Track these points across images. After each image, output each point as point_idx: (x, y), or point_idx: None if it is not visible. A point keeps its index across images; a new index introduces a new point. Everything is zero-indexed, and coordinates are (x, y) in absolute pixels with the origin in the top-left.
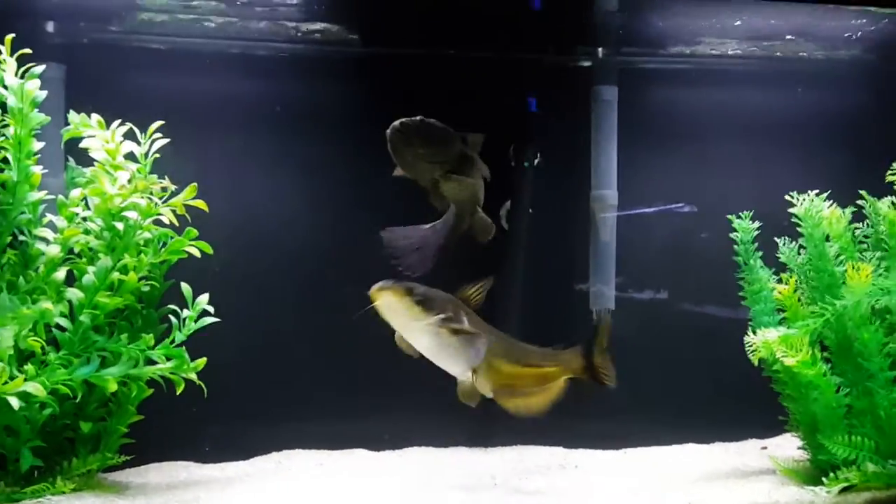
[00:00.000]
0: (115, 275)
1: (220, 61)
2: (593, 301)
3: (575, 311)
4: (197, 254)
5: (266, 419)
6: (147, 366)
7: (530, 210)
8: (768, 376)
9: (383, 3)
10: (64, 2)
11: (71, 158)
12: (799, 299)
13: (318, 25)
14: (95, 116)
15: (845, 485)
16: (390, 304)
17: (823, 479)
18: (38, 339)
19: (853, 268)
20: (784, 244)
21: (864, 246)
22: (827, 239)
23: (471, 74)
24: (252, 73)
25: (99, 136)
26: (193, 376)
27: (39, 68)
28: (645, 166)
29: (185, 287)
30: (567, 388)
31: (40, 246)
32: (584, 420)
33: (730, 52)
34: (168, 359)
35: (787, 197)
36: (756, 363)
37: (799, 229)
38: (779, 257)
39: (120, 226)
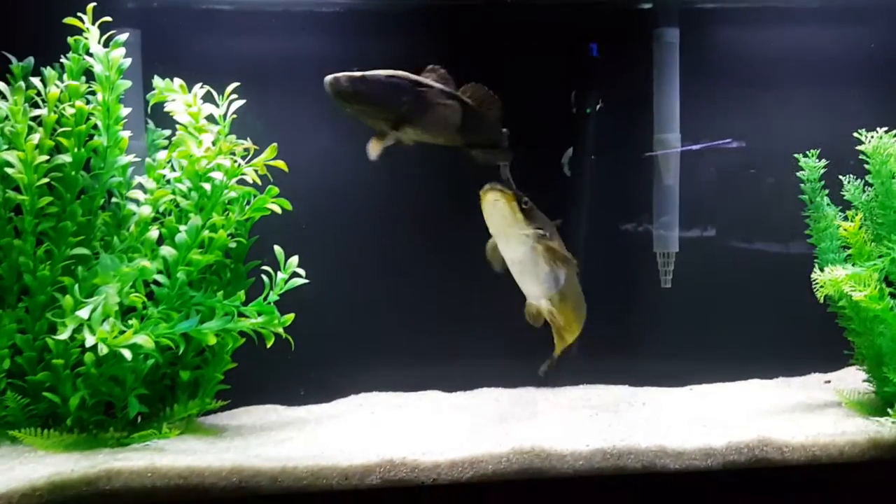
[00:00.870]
0: (205, 233)
1: (289, 19)
2: (657, 244)
3: (638, 255)
4: (278, 210)
5: (346, 364)
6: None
7: (592, 157)
8: (830, 312)
9: None
10: None
11: (150, 121)
12: (864, 237)
13: None
14: (178, 80)
15: None
16: (497, 204)
17: (889, 410)
18: (140, 295)
19: None
20: (849, 182)
21: None
22: (893, 176)
23: (530, 22)
24: (319, 31)
25: (180, 99)
26: (281, 330)
27: (123, 36)
28: (708, 109)
29: (278, 249)
30: None
31: (132, 207)
32: (647, 359)
33: None
34: (259, 314)
35: (855, 134)
36: (822, 300)
37: (866, 167)
38: (843, 195)
39: (207, 186)
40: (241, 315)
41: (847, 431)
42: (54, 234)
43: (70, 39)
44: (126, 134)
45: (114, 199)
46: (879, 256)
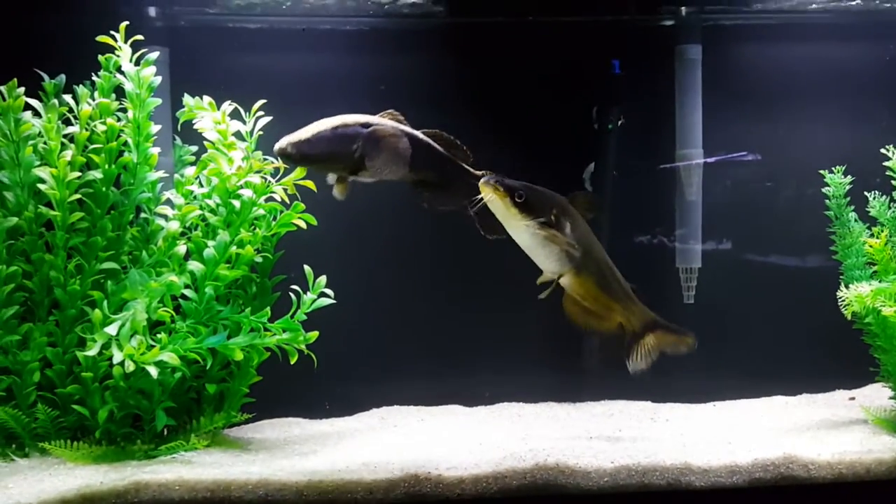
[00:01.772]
0: (233, 248)
1: (315, 38)
2: (679, 259)
3: (661, 270)
4: (304, 226)
5: (368, 378)
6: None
7: (614, 173)
8: (854, 329)
9: None
10: None
11: (178, 137)
12: (890, 253)
13: None
14: (206, 98)
15: None
16: (491, 200)
17: None
18: (168, 310)
19: None
20: (874, 198)
21: None
22: None
23: (553, 38)
24: (343, 48)
25: (209, 117)
26: (304, 347)
27: (154, 54)
28: (731, 125)
29: (308, 269)
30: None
31: (160, 222)
32: (669, 375)
33: (813, 6)
34: (284, 330)
35: (883, 150)
36: (849, 316)
37: (893, 182)
38: (868, 211)
39: (236, 203)
40: (266, 330)
41: (874, 449)
42: (85, 248)
43: (101, 58)
44: (155, 150)
45: (142, 215)
46: None
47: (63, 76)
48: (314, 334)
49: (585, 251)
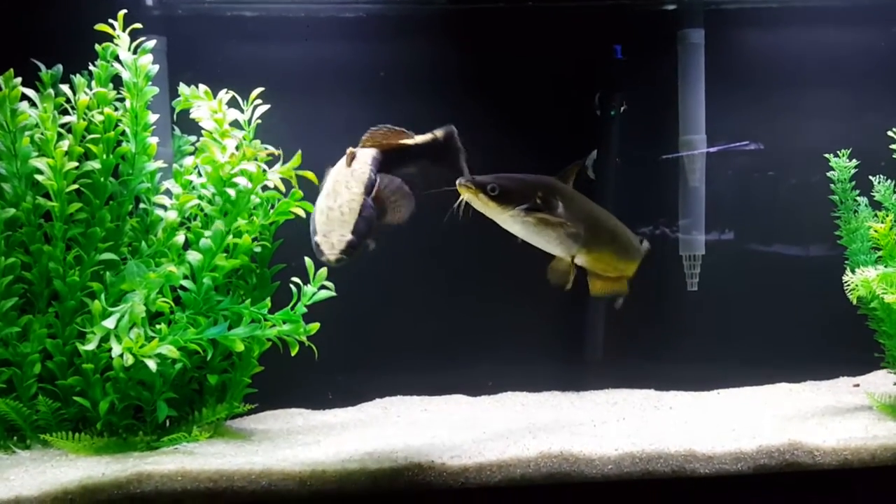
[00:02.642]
0: (230, 238)
1: (315, 26)
2: (683, 247)
3: (664, 258)
4: (302, 214)
5: (370, 368)
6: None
7: (617, 159)
8: (856, 316)
9: None
10: None
11: (177, 128)
12: (895, 237)
13: None
14: (203, 87)
15: None
16: (469, 200)
17: None
18: (167, 301)
19: None
20: (879, 182)
21: None
22: None
23: (554, 24)
24: (343, 36)
25: (205, 105)
26: (305, 339)
27: (151, 43)
28: (734, 110)
29: (309, 261)
30: None
31: (159, 212)
32: (672, 363)
33: None
34: (285, 322)
35: (890, 133)
36: (854, 301)
37: None
38: (873, 195)
39: (232, 192)
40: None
41: (879, 435)
42: (83, 239)
43: (98, 47)
44: (153, 140)
45: (141, 205)
46: None
47: (60, 66)
48: (315, 326)
49: (592, 225)
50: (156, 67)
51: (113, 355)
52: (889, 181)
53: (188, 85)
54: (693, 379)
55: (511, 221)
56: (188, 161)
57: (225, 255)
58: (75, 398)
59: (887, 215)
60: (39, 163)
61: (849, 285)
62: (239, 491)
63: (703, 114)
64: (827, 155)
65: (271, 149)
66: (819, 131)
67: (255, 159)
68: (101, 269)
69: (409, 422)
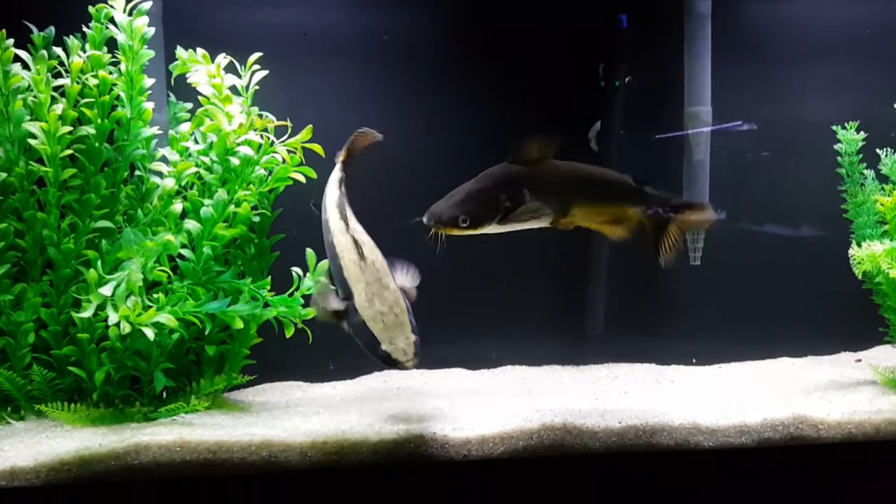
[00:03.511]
0: (231, 207)
1: None
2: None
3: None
4: (302, 180)
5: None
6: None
7: (621, 132)
8: (858, 291)
9: None
10: None
11: (171, 94)
12: None
13: None
14: (200, 51)
15: None
16: (453, 234)
17: None
18: (165, 270)
19: None
20: (887, 155)
21: None
22: None
23: None
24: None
25: (203, 70)
26: (300, 322)
27: (146, 4)
28: (741, 82)
29: (310, 252)
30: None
31: (155, 179)
32: (673, 338)
33: None
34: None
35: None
36: (860, 275)
37: None
38: (880, 169)
39: (235, 161)
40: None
41: (883, 409)
42: (78, 206)
43: (92, 8)
44: (149, 105)
45: (137, 172)
46: None
47: (52, 28)
48: (311, 311)
49: (567, 189)
50: (152, 30)
51: (109, 323)
52: (895, 154)
53: (185, 49)
54: (695, 353)
55: (496, 230)
56: (184, 128)
57: (225, 224)
58: (70, 368)
59: (894, 189)
60: (33, 126)
61: (854, 259)
62: (239, 462)
63: (709, 85)
64: (834, 127)
65: (279, 122)
66: (827, 104)
67: (265, 130)
68: (96, 237)
69: (409, 394)
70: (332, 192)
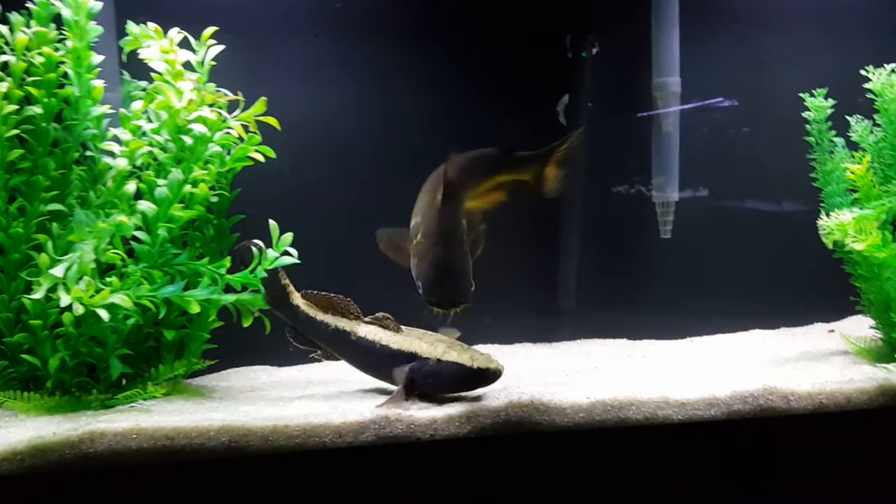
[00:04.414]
0: (187, 187)
1: None
2: (656, 193)
3: (637, 205)
4: (261, 159)
5: None
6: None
7: (589, 104)
8: (830, 263)
9: None
10: None
11: (125, 72)
12: (872, 179)
13: None
14: (152, 25)
15: None
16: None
17: None
18: (118, 252)
19: None
20: (856, 122)
21: None
22: None
23: None
24: None
25: (156, 45)
26: (257, 312)
27: None
28: (709, 50)
29: (273, 224)
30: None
31: (107, 160)
32: (646, 312)
33: None
34: (243, 286)
35: (862, 72)
36: (830, 245)
37: (874, 106)
38: (850, 136)
39: (188, 139)
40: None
41: (854, 379)
42: (27, 189)
43: None
44: (99, 83)
45: (88, 153)
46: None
47: None
48: None
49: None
50: (98, 5)
51: (62, 306)
52: (866, 121)
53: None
54: (667, 328)
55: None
56: (137, 105)
57: (181, 205)
58: (24, 356)
59: (864, 156)
60: None
61: (823, 229)
62: (198, 448)
63: (678, 55)
64: (802, 94)
65: (232, 95)
66: (796, 72)
67: (214, 105)
68: (46, 220)
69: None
70: None
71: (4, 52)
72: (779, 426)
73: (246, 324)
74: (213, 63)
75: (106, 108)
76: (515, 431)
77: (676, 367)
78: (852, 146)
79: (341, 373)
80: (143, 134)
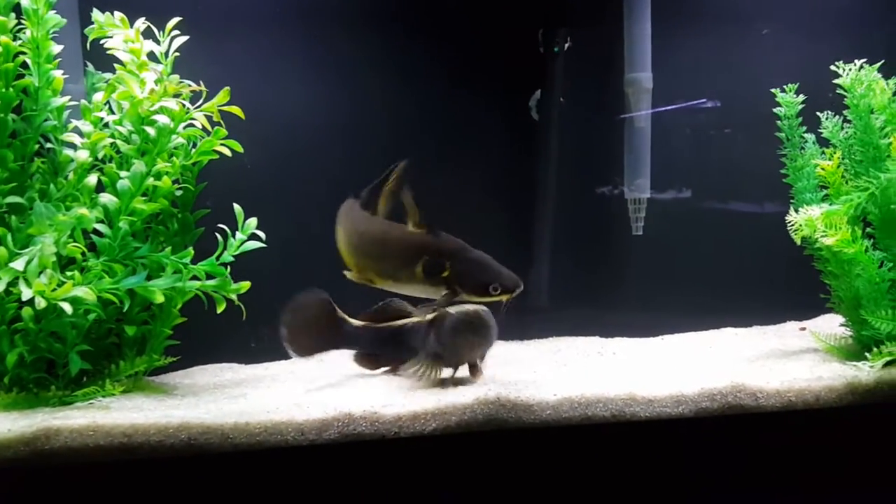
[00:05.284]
0: (150, 180)
1: None
2: (628, 190)
3: (609, 201)
4: (228, 153)
5: None
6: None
7: (561, 99)
8: (801, 261)
9: None
10: None
11: (89, 64)
12: (842, 175)
13: None
14: (118, 14)
15: (889, 359)
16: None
17: (867, 354)
18: (79, 246)
19: None
20: (827, 118)
21: None
22: (872, 111)
23: None
24: None
25: (120, 35)
26: (234, 297)
27: None
28: (681, 46)
29: (238, 209)
30: None
31: (68, 152)
32: (618, 310)
33: None
34: (209, 276)
35: (832, 67)
36: (799, 242)
37: (845, 101)
38: (821, 132)
39: (151, 131)
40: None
41: (823, 376)
42: None
43: None
44: (59, 73)
45: (48, 145)
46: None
47: None
48: (245, 284)
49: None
50: None
51: (23, 299)
52: (836, 117)
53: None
54: (639, 325)
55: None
56: (99, 97)
57: (144, 198)
58: None
59: (835, 152)
60: None
61: (792, 225)
62: (156, 446)
63: (649, 50)
64: (773, 90)
65: (193, 84)
66: (768, 68)
67: (177, 96)
68: (5, 213)
69: (343, 372)
70: None
71: None
72: (747, 424)
73: (219, 310)
74: (178, 54)
75: (66, 100)
76: (482, 429)
77: (647, 364)
78: (823, 142)
79: (307, 370)
80: (106, 125)
